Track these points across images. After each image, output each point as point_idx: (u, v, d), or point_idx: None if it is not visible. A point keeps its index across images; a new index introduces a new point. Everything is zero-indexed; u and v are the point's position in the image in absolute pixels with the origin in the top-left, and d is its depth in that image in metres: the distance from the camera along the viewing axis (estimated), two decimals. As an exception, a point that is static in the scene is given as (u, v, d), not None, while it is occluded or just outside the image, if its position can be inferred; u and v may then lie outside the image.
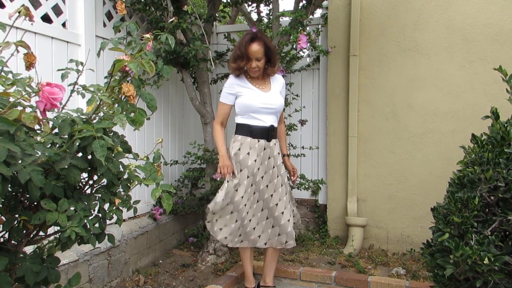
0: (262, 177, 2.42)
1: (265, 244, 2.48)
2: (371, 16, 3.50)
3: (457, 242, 1.49)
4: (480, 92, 3.19)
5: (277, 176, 2.45)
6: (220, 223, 2.38)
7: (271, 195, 2.43)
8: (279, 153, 2.48)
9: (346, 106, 3.61)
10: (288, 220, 2.43)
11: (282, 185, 2.45)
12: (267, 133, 2.40)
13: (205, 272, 3.01)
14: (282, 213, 2.43)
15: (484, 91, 3.17)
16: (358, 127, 3.56)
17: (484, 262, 1.41)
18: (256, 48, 2.30)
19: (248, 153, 2.37)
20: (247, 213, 2.39)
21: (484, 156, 1.60)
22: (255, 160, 2.37)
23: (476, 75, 3.20)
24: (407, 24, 3.38)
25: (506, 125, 1.63)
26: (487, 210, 1.62)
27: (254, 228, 2.44)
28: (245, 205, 2.36)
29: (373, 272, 2.96)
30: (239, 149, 2.38)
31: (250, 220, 2.41)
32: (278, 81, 2.51)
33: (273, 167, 2.44)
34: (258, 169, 2.39)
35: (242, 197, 2.34)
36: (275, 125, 2.45)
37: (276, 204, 2.43)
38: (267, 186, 2.43)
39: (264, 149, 2.41)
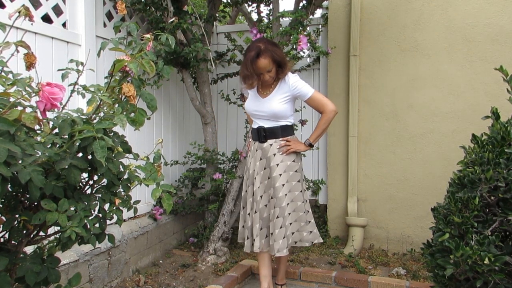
0: (255, 178, 2.40)
1: (258, 248, 2.36)
2: (371, 16, 3.50)
3: (457, 242, 1.49)
4: (481, 92, 3.18)
5: (268, 178, 2.37)
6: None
7: (261, 196, 2.38)
8: (274, 154, 2.35)
9: (346, 106, 3.61)
10: (273, 221, 2.32)
11: (271, 188, 2.35)
12: (258, 135, 2.40)
13: (205, 272, 3.01)
14: (269, 214, 2.37)
15: (484, 91, 3.17)
16: (358, 127, 3.56)
17: (485, 262, 1.41)
18: (264, 62, 2.23)
19: (249, 155, 2.49)
20: (248, 214, 2.42)
21: (485, 156, 1.60)
22: (250, 162, 2.45)
23: (477, 75, 3.19)
24: (407, 24, 3.38)
25: (506, 125, 1.63)
26: (487, 210, 1.62)
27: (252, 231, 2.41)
28: (248, 214, 2.45)
29: (373, 272, 2.96)
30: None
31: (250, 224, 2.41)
32: (285, 83, 2.35)
33: (264, 168, 2.39)
34: (254, 170, 2.41)
35: (248, 214, 2.43)
36: (266, 125, 2.37)
37: (265, 206, 2.39)
38: (258, 187, 2.39)
39: (257, 150, 2.42)
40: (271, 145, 2.38)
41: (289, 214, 2.36)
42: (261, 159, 2.40)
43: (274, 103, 2.34)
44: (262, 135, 2.39)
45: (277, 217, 2.31)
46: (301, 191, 2.40)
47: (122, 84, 1.34)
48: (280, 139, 2.38)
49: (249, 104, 2.45)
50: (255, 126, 2.44)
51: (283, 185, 2.34)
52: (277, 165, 2.35)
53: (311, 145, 2.42)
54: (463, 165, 1.75)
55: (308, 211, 2.46)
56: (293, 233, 2.40)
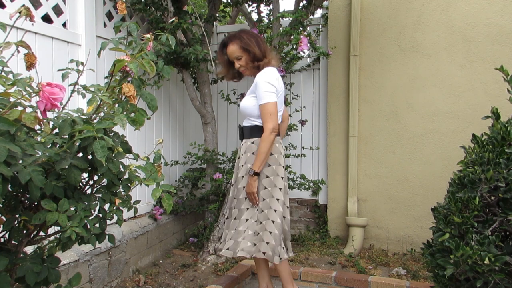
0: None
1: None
2: (371, 16, 3.50)
3: (457, 242, 1.49)
4: (481, 92, 3.18)
5: (238, 178, 2.28)
6: None
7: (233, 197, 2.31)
8: (242, 155, 2.26)
9: (346, 106, 3.61)
10: (230, 221, 2.25)
11: (234, 189, 2.28)
12: (239, 132, 2.35)
13: (206, 272, 3.01)
14: (224, 214, 2.32)
15: (484, 91, 3.17)
16: (358, 127, 3.56)
17: (485, 262, 1.41)
18: (230, 49, 2.21)
19: None
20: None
21: (485, 156, 1.60)
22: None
23: (477, 75, 3.20)
24: (407, 24, 3.38)
25: (506, 125, 1.64)
26: (487, 210, 1.62)
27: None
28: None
29: (374, 272, 2.96)
30: None
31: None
32: (256, 79, 2.20)
33: (238, 168, 2.30)
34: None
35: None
36: (242, 124, 2.30)
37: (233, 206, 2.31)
38: (232, 185, 2.34)
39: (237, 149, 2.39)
40: (242, 144, 2.29)
41: (246, 220, 2.18)
42: (238, 158, 2.34)
43: (245, 98, 2.26)
44: (240, 133, 2.33)
45: (235, 218, 2.22)
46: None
47: (122, 84, 1.34)
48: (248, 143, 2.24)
49: None
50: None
51: (244, 187, 2.20)
52: (242, 166, 2.25)
53: (256, 174, 2.13)
54: (463, 165, 1.75)
55: (261, 222, 2.14)
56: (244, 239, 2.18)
